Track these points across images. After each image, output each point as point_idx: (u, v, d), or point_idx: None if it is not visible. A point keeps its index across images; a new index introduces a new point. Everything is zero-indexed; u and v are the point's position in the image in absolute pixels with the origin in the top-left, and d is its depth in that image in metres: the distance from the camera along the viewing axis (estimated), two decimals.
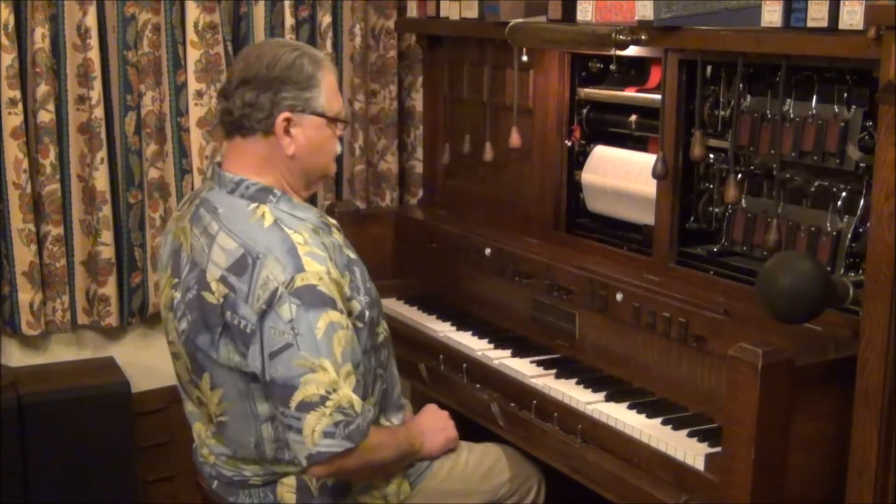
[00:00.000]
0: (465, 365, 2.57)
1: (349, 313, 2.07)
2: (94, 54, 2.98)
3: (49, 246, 3.03)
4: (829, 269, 2.02)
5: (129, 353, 3.26)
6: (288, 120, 2.10)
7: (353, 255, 2.19)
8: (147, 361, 3.27)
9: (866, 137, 2.00)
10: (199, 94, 3.11)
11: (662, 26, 2.23)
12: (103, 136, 3.03)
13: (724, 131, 2.29)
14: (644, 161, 2.48)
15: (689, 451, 1.99)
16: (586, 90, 2.69)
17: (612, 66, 2.41)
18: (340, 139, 2.23)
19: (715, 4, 2.15)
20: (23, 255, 2.99)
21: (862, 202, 2.03)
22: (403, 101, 3.52)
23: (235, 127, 2.13)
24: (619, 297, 2.35)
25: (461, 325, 2.75)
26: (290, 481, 2.14)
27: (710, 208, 2.36)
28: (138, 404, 3.17)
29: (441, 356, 2.64)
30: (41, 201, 3.02)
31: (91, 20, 2.97)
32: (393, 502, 2.22)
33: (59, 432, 2.95)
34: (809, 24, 1.95)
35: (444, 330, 2.74)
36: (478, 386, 2.51)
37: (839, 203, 2.08)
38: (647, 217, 2.46)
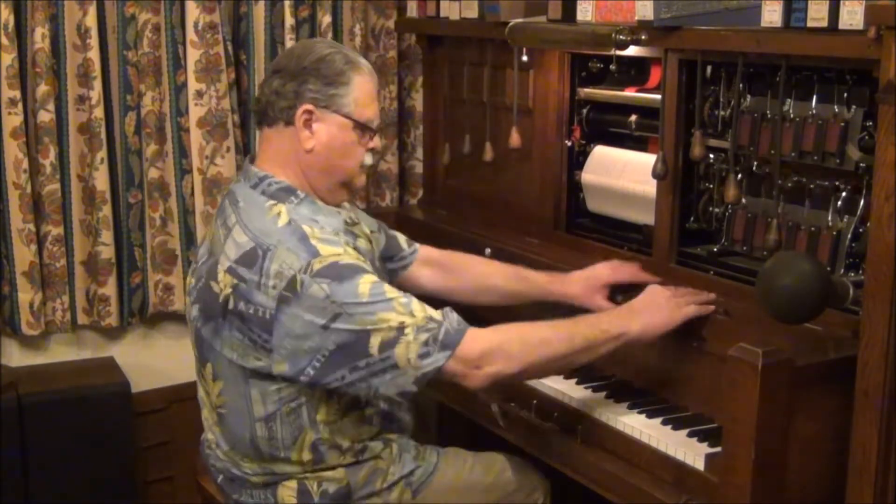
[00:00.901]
0: None
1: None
2: (94, 54, 2.98)
3: (49, 246, 3.04)
4: (829, 269, 2.03)
5: (129, 353, 3.26)
6: (310, 112, 2.08)
7: (377, 265, 2.15)
8: (147, 361, 3.28)
9: (866, 137, 2.01)
10: (199, 94, 3.11)
11: (662, 26, 2.23)
12: (103, 136, 3.03)
13: (724, 131, 2.29)
14: (644, 161, 2.48)
15: (689, 451, 1.99)
16: (586, 90, 2.69)
17: (612, 66, 2.41)
18: (373, 153, 2.20)
19: (715, 4, 2.15)
20: (23, 255, 2.99)
21: (862, 202, 2.03)
22: (403, 101, 3.53)
23: (262, 115, 2.13)
24: (619, 297, 2.35)
25: None
26: (292, 484, 2.14)
27: (710, 208, 2.36)
28: (138, 404, 3.17)
29: None
30: (41, 201, 3.02)
31: (91, 20, 2.97)
32: None
33: (59, 432, 2.95)
34: (809, 23, 1.95)
35: None
36: None
37: (839, 203, 2.08)
38: (647, 217, 2.46)
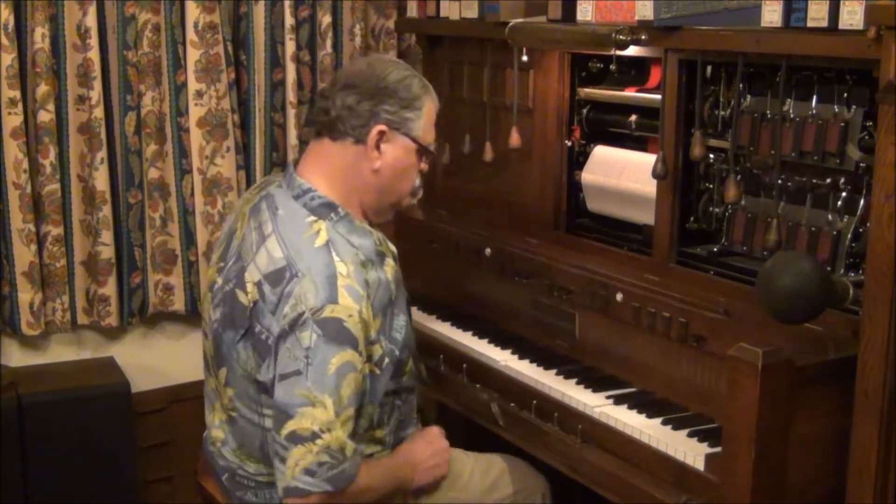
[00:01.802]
0: (464, 365, 2.56)
1: (368, 357, 2.04)
2: (93, 54, 2.98)
3: (49, 246, 3.04)
4: (829, 268, 2.03)
5: (129, 354, 3.26)
6: (382, 133, 2.09)
7: (396, 294, 2.14)
8: (147, 361, 3.28)
9: (866, 137, 2.00)
10: (199, 94, 3.11)
11: (662, 26, 2.23)
12: (103, 136, 3.03)
13: (724, 131, 2.29)
14: (644, 161, 2.48)
15: (689, 451, 1.99)
16: (586, 90, 2.69)
17: (612, 66, 2.41)
18: (421, 174, 2.22)
19: (715, 4, 2.15)
20: (23, 255, 2.99)
21: (862, 202, 2.03)
22: None
23: (328, 127, 2.12)
24: (619, 297, 2.35)
25: (461, 325, 2.75)
26: None
27: (710, 208, 2.36)
28: (138, 404, 3.17)
29: (441, 356, 2.64)
30: (41, 201, 3.02)
31: (91, 20, 2.97)
32: (399, 502, 2.21)
33: (59, 432, 2.95)
34: (809, 23, 1.95)
35: (444, 330, 2.74)
36: (478, 386, 2.51)
37: (839, 203, 2.08)
38: (647, 217, 2.46)
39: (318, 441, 1.94)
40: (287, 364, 1.97)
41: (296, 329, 1.96)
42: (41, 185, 3.00)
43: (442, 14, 3.06)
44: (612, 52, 2.32)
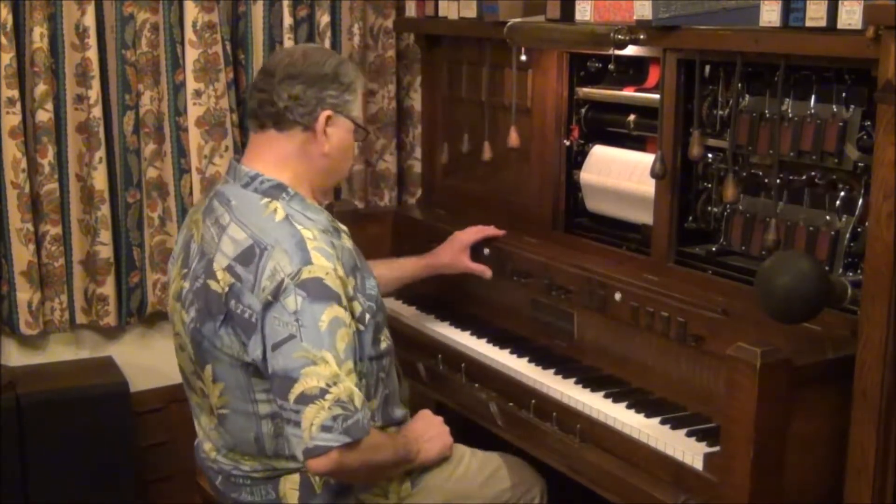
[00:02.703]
0: (463, 364, 2.57)
1: (351, 313, 2.07)
2: (92, 54, 2.98)
3: (47, 245, 3.03)
4: (827, 268, 2.03)
5: (128, 353, 3.26)
6: (329, 118, 2.15)
7: (359, 263, 2.19)
8: (146, 361, 3.28)
9: (865, 137, 2.01)
10: (198, 94, 3.11)
11: (661, 26, 2.23)
12: (102, 135, 3.03)
13: (723, 131, 2.29)
14: (643, 160, 2.48)
15: (688, 450, 1.99)
16: (585, 90, 2.69)
17: (611, 66, 2.41)
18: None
19: (713, 4, 2.15)
20: (21, 255, 2.99)
21: (860, 201, 2.03)
22: (402, 100, 3.53)
23: (275, 119, 2.16)
24: (617, 296, 2.35)
25: (460, 325, 2.75)
26: (294, 478, 2.14)
27: (709, 208, 2.36)
28: (137, 404, 3.17)
29: (440, 356, 2.64)
30: (39, 201, 3.02)
31: (89, 19, 2.97)
32: (393, 501, 2.22)
33: (58, 432, 2.95)
34: (808, 23, 1.95)
35: (442, 329, 2.74)
36: (476, 385, 2.51)
37: (838, 202, 2.08)
38: (645, 217, 2.46)
39: (328, 396, 1.95)
40: (278, 332, 1.99)
41: (279, 297, 1.99)
42: (40, 184, 3.00)
43: (440, 13, 3.05)
44: (610, 52, 2.32)
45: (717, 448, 1.91)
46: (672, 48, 2.29)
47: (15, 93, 2.90)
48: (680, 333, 2.19)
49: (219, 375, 2.11)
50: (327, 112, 2.15)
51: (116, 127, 3.09)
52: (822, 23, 1.92)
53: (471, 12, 2.89)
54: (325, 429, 1.96)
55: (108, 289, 3.11)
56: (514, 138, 2.75)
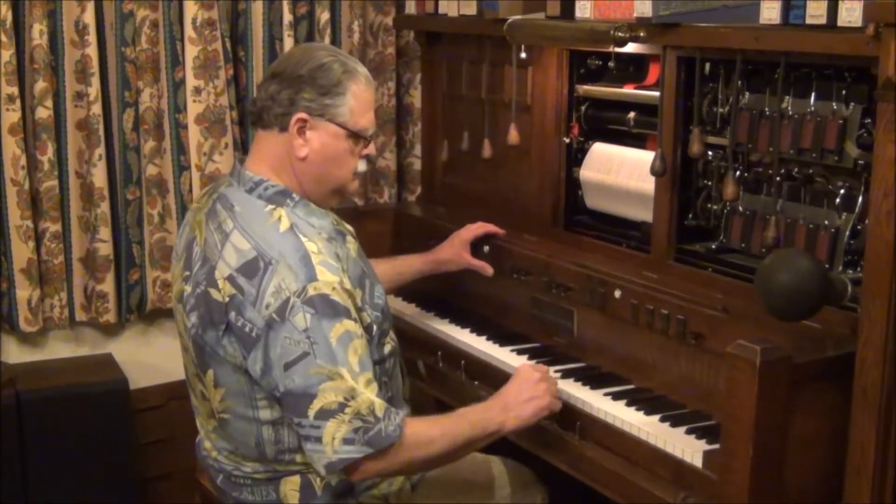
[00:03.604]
0: (463, 362, 2.57)
1: (360, 324, 2.05)
2: (92, 51, 2.98)
3: (47, 242, 3.03)
4: (827, 266, 2.03)
5: (128, 350, 3.26)
6: (303, 121, 2.08)
7: (366, 269, 2.17)
8: (145, 358, 3.28)
9: (865, 134, 2.00)
10: (198, 91, 3.11)
11: (661, 23, 2.23)
12: (101, 132, 3.03)
13: (723, 128, 2.29)
14: (642, 158, 2.48)
15: (688, 448, 1.99)
16: (585, 87, 2.69)
17: (611, 63, 2.41)
18: (367, 158, 2.21)
19: (713, 2, 2.15)
20: (21, 252, 2.99)
21: (860, 199, 2.03)
22: (402, 97, 3.52)
23: (256, 117, 2.13)
24: (617, 294, 2.35)
25: (460, 322, 2.75)
26: (295, 479, 2.13)
27: (709, 205, 2.36)
28: (137, 401, 3.17)
29: (439, 353, 2.64)
30: (39, 198, 3.01)
31: (89, 16, 2.97)
32: (394, 502, 2.21)
33: (58, 429, 2.95)
34: (808, 21, 1.95)
35: (442, 326, 2.74)
36: (476, 383, 2.52)
37: (838, 200, 2.08)
38: (645, 214, 2.46)
39: (347, 409, 1.94)
40: (290, 351, 1.96)
41: (286, 316, 1.96)
42: (39, 181, 3.00)
43: (440, 11, 3.05)
44: (610, 49, 2.32)
45: (716, 446, 1.91)
46: (672, 46, 2.29)
47: (14, 90, 2.90)
48: (680, 331, 2.19)
49: (220, 380, 2.11)
50: (300, 115, 2.07)
51: (116, 124, 3.09)
52: (823, 20, 1.92)
53: (471, 10, 2.89)
54: (346, 441, 1.94)
55: (107, 286, 3.11)
56: (513, 136, 2.75)
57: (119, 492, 3.04)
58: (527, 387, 2.17)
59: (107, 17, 3.04)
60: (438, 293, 2.92)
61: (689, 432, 2.06)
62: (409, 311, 2.89)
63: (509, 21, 2.59)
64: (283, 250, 2.01)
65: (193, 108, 3.12)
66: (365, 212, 3.25)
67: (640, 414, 2.15)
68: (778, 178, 2.16)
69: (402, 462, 2.02)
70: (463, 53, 3.02)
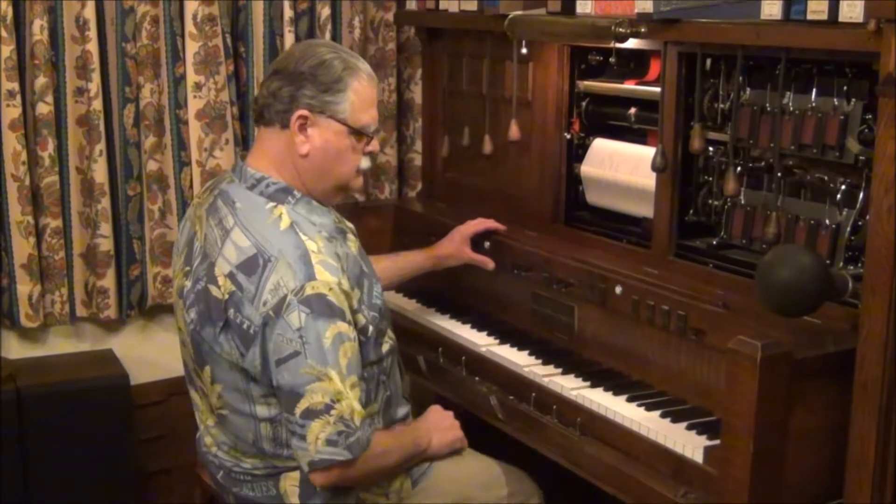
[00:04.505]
0: (463, 358, 2.57)
1: (354, 326, 2.06)
2: (92, 46, 2.98)
3: (48, 238, 3.03)
4: (828, 262, 2.03)
5: (128, 346, 3.26)
6: (304, 118, 2.08)
7: (365, 268, 2.18)
8: (146, 354, 3.28)
9: (866, 130, 2.00)
10: (198, 87, 3.10)
11: (662, 19, 2.23)
12: (102, 128, 3.03)
13: (724, 124, 2.29)
14: (643, 154, 2.48)
15: (688, 443, 1.99)
16: (585, 83, 2.69)
17: (612, 59, 2.41)
18: (371, 155, 2.21)
19: None
20: (21, 248, 2.99)
21: (861, 195, 2.03)
22: (402, 93, 3.52)
23: (258, 114, 2.14)
24: (618, 289, 2.35)
25: (460, 318, 2.75)
26: (294, 475, 2.14)
27: (710, 201, 2.36)
28: (137, 397, 3.17)
29: (440, 349, 2.65)
30: (40, 193, 3.01)
31: (89, 12, 2.96)
32: (394, 500, 2.22)
33: (58, 425, 2.95)
34: (809, 16, 1.95)
35: (443, 323, 2.74)
36: (476, 378, 2.52)
37: (838, 196, 2.08)
38: (646, 210, 2.46)
39: (333, 412, 1.98)
40: (282, 349, 1.98)
41: (282, 314, 1.97)
42: (40, 177, 3.00)
43: (441, 6, 3.05)
44: (611, 45, 2.32)
45: (717, 441, 1.91)
46: (673, 41, 2.29)
47: (15, 85, 2.90)
48: (680, 327, 2.19)
49: (217, 377, 2.11)
50: (301, 111, 2.08)
51: (117, 120, 3.08)
52: (824, 16, 1.92)
53: (471, 5, 2.88)
54: (330, 443, 1.99)
55: (108, 282, 3.11)
56: (514, 131, 2.75)
57: (119, 487, 3.04)
58: (443, 417, 2.33)
59: (107, 12, 3.04)
60: (439, 289, 2.92)
61: (689, 428, 2.06)
62: (409, 307, 2.89)
63: (510, 17, 2.59)
64: (283, 248, 2.02)
65: (194, 104, 3.12)
66: (365, 208, 3.25)
67: (641, 409, 2.15)
68: (779, 174, 2.16)
69: (363, 472, 2.07)
70: (464, 49, 3.02)
